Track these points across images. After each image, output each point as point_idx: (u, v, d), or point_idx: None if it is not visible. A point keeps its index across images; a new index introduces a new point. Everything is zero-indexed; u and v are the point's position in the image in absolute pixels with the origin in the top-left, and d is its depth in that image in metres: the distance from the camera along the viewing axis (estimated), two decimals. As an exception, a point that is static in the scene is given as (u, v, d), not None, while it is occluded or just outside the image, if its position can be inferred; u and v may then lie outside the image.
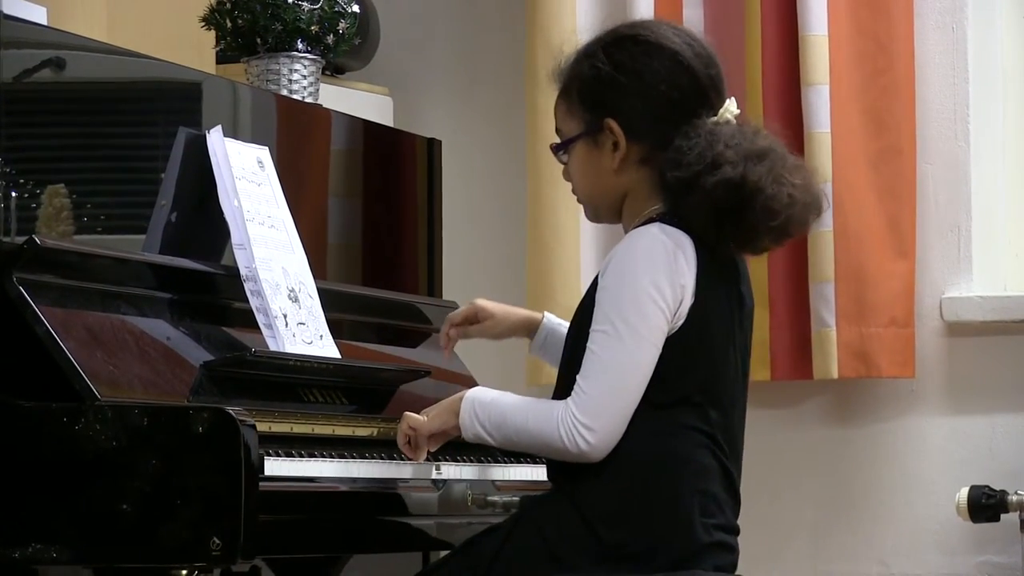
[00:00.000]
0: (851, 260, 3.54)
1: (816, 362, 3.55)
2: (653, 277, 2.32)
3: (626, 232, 2.42)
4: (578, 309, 2.43)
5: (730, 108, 2.40)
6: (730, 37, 3.65)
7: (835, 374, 3.54)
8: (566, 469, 2.38)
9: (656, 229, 2.35)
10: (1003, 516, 3.44)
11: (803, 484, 3.68)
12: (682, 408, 2.36)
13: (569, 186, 2.50)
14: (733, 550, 2.40)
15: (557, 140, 2.47)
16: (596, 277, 2.40)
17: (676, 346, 2.35)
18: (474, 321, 2.65)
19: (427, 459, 2.61)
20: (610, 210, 2.45)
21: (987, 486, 3.45)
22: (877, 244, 3.56)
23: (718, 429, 2.39)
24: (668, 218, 2.37)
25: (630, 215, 2.43)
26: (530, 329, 2.66)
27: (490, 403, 2.39)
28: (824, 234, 3.53)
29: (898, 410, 3.63)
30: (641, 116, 2.39)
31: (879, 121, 3.58)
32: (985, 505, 3.43)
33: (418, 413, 2.49)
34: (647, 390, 2.34)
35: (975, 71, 3.62)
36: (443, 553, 2.82)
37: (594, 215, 2.49)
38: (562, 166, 2.48)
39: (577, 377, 2.33)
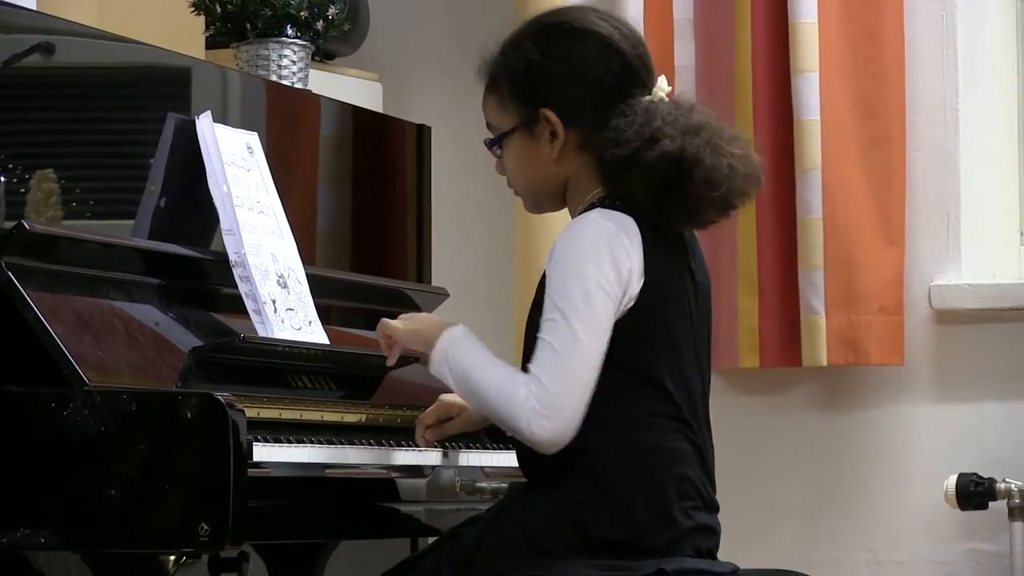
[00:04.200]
0: (840, 247, 3.54)
1: (805, 349, 3.55)
2: (596, 262, 2.31)
3: (573, 217, 2.43)
4: (532, 306, 2.41)
5: (662, 87, 2.40)
6: (720, 24, 3.65)
7: (824, 361, 3.54)
8: (544, 463, 2.37)
9: (596, 215, 2.35)
10: (991, 504, 3.44)
11: (791, 471, 3.69)
12: (648, 394, 2.35)
13: None
14: (714, 532, 2.40)
15: (490, 135, 2.47)
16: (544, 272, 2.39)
17: (631, 328, 2.34)
18: (446, 418, 2.60)
19: (414, 446, 2.62)
20: (551, 199, 2.45)
21: (975, 474, 3.46)
22: (866, 232, 3.57)
23: (686, 411, 2.38)
24: (609, 201, 2.37)
25: (574, 201, 2.43)
26: None
27: (463, 354, 2.38)
28: (813, 221, 3.54)
29: (887, 397, 3.64)
30: (577, 103, 2.39)
31: (869, 109, 3.59)
32: (973, 493, 3.43)
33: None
34: (610, 378, 2.32)
35: (964, 59, 3.62)
36: (431, 539, 2.82)
37: (534, 206, 2.49)
38: (495, 160, 2.47)
39: (530, 366, 2.32)
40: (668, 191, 2.34)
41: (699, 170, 2.33)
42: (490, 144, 2.46)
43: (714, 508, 2.41)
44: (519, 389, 2.31)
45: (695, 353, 2.41)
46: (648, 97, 2.38)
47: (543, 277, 2.39)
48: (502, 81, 2.43)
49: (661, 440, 2.35)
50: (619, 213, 2.35)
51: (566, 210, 2.49)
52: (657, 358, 2.36)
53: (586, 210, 2.38)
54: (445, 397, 2.58)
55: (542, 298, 2.37)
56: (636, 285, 2.34)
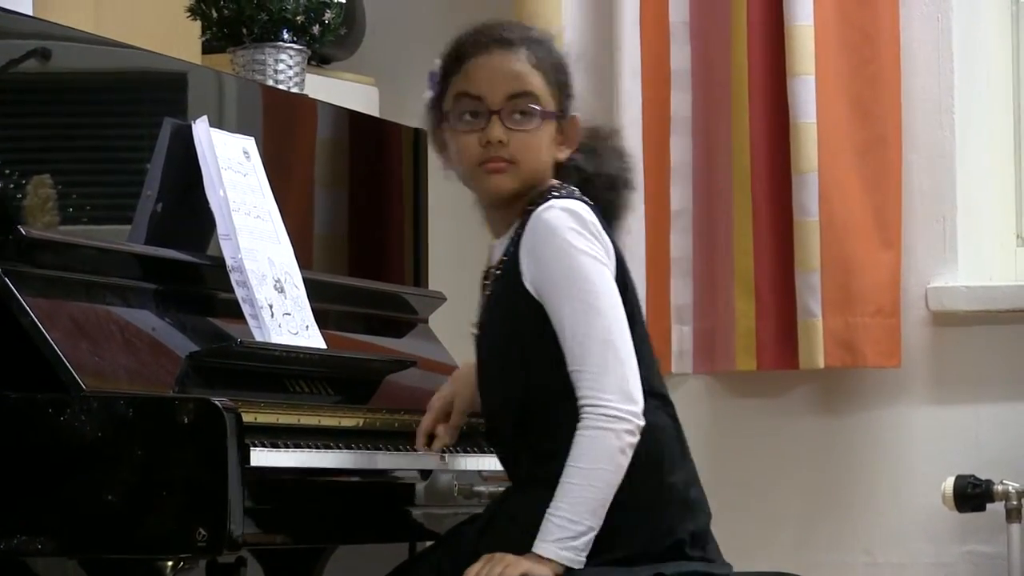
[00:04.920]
0: (837, 250, 3.54)
1: (802, 352, 3.55)
2: (583, 240, 2.36)
3: (506, 206, 2.47)
4: (497, 301, 2.44)
5: None
6: (716, 27, 3.66)
7: (821, 364, 3.54)
8: (536, 458, 2.38)
9: (557, 203, 2.40)
10: (988, 506, 3.44)
11: (789, 473, 3.69)
12: None
13: None
14: (701, 507, 2.42)
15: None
16: (510, 269, 2.41)
17: None
18: (448, 411, 2.59)
19: (412, 451, 2.62)
20: (529, 191, 2.46)
21: (972, 476, 3.46)
22: (863, 234, 3.57)
23: (659, 385, 2.43)
24: (560, 190, 2.43)
25: (525, 198, 2.46)
26: None
27: (558, 518, 2.32)
28: (810, 223, 3.54)
29: (884, 400, 3.64)
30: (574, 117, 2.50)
31: (865, 111, 3.59)
32: (971, 495, 3.43)
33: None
34: None
35: (960, 61, 3.63)
36: (429, 543, 2.82)
37: (512, 191, 2.45)
38: (505, 128, 2.43)
39: (575, 367, 2.34)
40: (622, 191, 2.50)
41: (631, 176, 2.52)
42: (541, 115, 2.44)
43: (698, 483, 2.43)
44: (586, 431, 2.32)
45: (647, 331, 2.46)
46: None
47: (513, 272, 2.40)
48: (548, 68, 2.46)
49: (646, 417, 2.37)
50: (578, 201, 2.41)
51: None
52: (633, 330, 2.39)
53: (539, 199, 2.42)
54: (435, 401, 2.60)
55: (512, 292, 2.39)
56: (612, 261, 2.40)
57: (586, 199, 2.44)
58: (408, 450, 2.64)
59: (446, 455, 2.67)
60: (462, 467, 2.72)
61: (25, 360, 2.34)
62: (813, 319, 3.54)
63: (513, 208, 2.47)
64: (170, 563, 2.27)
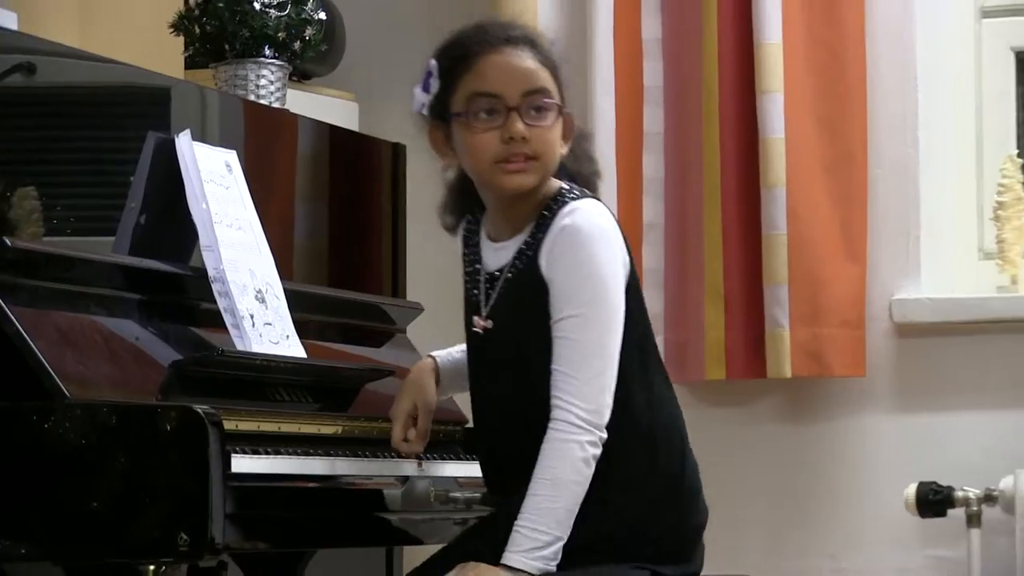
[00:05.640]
0: (804, 263, 3.56)
1: (770, 361, 3.57)
2: (610, 257, 2.39)
3: (500, 207, 2.46)
4: (515, 303, 2.44)
5: None
6: (687, 44, 3.67)
7: (788, 373, 3.57)
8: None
9: (583, 208, 2.41)
10: (950, 511, 3.48)
11: (756, 480, 3.71)
12: (644, 361, 2.43)
13: None
14: (702, 498, 2.51)
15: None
16: (529, 270, 2.42)
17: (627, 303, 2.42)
18: (414, 416, 2.60)
19: (390, 457, 2.66)
20: (540, 188, 2.46)
21: (934, 482, 3.49)
22: (829, 248, 3.59)
23: (668, 380, 2.48)
24: (571, 189, 2.45)
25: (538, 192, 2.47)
26: (436, 375, 2.64)
27: (527, 529, 2.33)
28: (778, 237, 3.56)
29: (849, 408, 3.66)
30: None
31: (832, 128, 3.60)
32: (932, 501, 3.46)
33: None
34: (624, 362, 2.39)
35: (924, 79, 3.65)
36: (405, 547, 2.85)
37: (531, 187, 2.43)
38: (525, 125, 2.42)
39: (561, 367, 2.35)
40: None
41: None
42: (557, 109, 2.45)
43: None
44: (556, 436, 2.35)
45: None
46: None
47: (532, 262, 2.41)
48: (552, 65, 2.47)
49: (670, 409, 2.45)
50: (596, 202, 2.44)
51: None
52: (643, 327, 2.44)
53: (555, 201, 2.43)
54: (398, 411, 2.60)
55: (535, 281, 2.40)
56: (627, 266, 2.43)
57: (597, 197, 2.46)
58: (387, 457, 2.65)
59: (423, 462, 2.69)
60: (439, 473, 2.73)
61: (10, 368, 2.35)
62: (781, 330, 3.56)
63: (521, 208, 2.45)
64: (152, 567, 2.28)
